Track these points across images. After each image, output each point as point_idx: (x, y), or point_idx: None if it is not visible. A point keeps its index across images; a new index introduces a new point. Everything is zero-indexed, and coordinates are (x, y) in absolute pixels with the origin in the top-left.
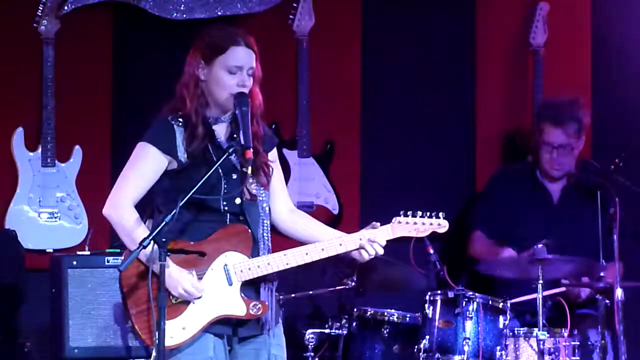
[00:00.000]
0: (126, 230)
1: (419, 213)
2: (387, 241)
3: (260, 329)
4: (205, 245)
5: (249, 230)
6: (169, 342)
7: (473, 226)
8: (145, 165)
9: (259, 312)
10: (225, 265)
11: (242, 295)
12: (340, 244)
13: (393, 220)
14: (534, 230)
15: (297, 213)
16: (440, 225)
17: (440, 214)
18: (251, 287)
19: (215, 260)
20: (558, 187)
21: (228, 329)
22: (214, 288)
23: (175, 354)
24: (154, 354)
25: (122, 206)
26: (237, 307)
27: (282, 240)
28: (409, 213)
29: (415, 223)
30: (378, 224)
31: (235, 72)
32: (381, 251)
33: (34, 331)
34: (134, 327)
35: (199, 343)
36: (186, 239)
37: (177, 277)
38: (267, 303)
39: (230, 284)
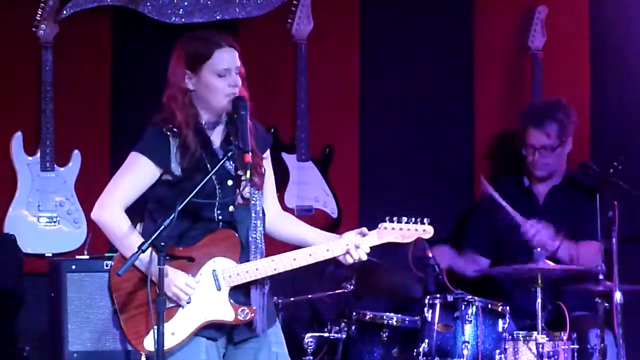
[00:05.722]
0: (116, 233)
1: (404, 219)
2: (385, 245)
3: (253, 332)
4: (194, 251)
5: (237, 236)
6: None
7: (462, 246)
8: (138, 175)
9: (247, 317)
10: (214, 270)
11: (231, 300)
12: (328, 250)
13: (379, 226)
14: (521, 235)
15: (284, 215)
16: (425, 231)
17: (425, 220)
18: (242, 290)
19: (204, 266)
20: (545, 189)
21: (221, 333)
22: (202, 293)
23: (168, 358)
24: (142, 359)
25: (111, 210)
26: (225, 312)
27: (279, 243)
28: (394, 219)
29: (400, 229)
30: (366, 229)
31: (224, 74)
32: (364, 257)
33: (33, 335)
34: (123, 333)
35: (191, 347)
36: (178, 246)
37: (170, 276)
38: (255, 307)
39: (219, 289)
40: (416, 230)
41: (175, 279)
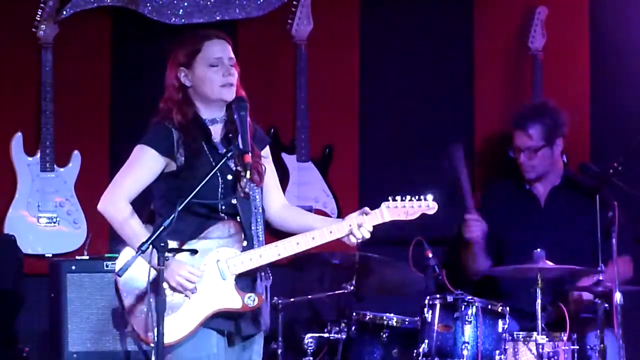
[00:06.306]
0: (123, 225)
1: (408, 196)
2: (385, 245)
3: (258, 327)
4: (197, 243)
5: (240, 226)
6: (167, 338)
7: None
8: (143, 167)
9: (255, 304)
10: (218, 260)
11: (237, 288)
12: (331, 232)
13: (382, 205)
14: (523, 236)
15: (290, 208)
16: (430, 207)
17: (429, 196)
18: (247, 280)
19: (207, 257)
20: (546, 191)
21: (230, 324)
22: (208, 283)
23: (177, 349)
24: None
25: (116, 203)
26: (232, 300)
27: (278, 235)
28: (397, 197)
29: (404, 206)
30: (368, 208)
31: (216, 64)
32: (368, 235)
33: (33, 336)
34: (133, 328)
35: (202, 339)
36: (181, 239)
37: (173, 266)
38: (262, 295)
39: (224, 279)
40: (420, 206)
41: (179, 269)
